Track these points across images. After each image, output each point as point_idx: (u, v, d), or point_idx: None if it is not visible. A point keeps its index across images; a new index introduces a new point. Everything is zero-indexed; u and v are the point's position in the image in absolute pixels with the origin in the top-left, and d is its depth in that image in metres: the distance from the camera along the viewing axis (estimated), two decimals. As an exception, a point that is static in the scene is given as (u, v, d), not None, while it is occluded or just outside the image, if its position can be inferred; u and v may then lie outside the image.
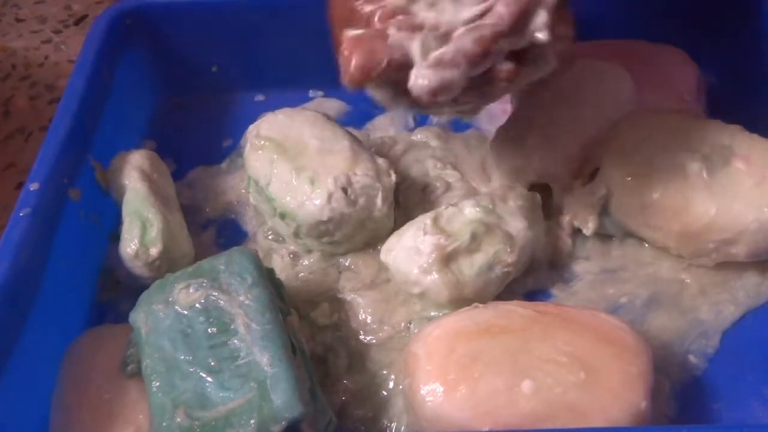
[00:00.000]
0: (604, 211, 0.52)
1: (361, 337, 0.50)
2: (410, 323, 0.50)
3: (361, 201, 0.51)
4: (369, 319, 0.51)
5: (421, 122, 0.64)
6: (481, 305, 0.46)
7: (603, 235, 0.53)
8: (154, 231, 0.51)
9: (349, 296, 0.52)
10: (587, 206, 0.52)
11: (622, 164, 0.51)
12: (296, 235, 0.53)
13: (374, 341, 0.50)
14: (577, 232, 0.54)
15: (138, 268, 0.50)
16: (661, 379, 0.46)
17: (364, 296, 0.52)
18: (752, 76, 0.60)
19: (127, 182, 0.53)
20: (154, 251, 0.50)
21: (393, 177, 0.53)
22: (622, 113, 0.54)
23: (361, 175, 0.52)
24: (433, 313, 0.49)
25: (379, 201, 0.52)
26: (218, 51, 0.64)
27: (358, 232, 0.52)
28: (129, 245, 0.50)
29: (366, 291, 0.52)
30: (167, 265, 0.50)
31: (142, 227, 0.51)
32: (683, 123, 0.52)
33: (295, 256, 0.54)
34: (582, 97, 0.54)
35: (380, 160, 0.53)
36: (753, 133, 0.51)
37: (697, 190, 0.48)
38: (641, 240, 0.53)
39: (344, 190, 0.51)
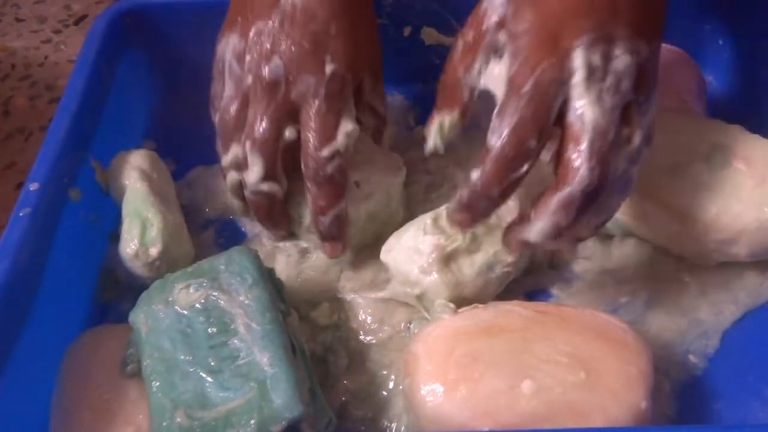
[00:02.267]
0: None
1: (361, 337, 0.50)
2: (410, 323, 0.50)
3: (375, 195, 0.51)
4: (369, 320, 0.51)
5: (422, 121, 0.64)
6: (480, 306, 0.46)
7: (603, 235, 0.53)
8: (154, 231, 0.51)
9: (349, 296, 0.52)
10: None
11: (621, 164, 0.51)
12: (309, 230, 0.53)
13: (374, 341, 0.50)
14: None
15: (138, 268, 0.50)
16: (661, 379, 0.46)
17: (364, 296, 0.52)
18: (753, 76, 0.60)
19: (126, 182, 0.53)
20: (154, 251, 0.50)
21: (404, 170, 0.53)
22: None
23: (375, 169, 0.51)
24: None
25: (391, 194, 0.52)
26: (218, 51, 0.64)
27: (369, 225, 0.52)
28: (129, 245, 0.50)
29: (366, 291, 0.52)
30: (167, 265, 0.50)
31: (142, 227, 0.51)
32: (683, 123, 0.52)
33: (302, 252, 0.54)
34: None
35: (392, 154, 0.53)
36: (754, 134, 0.51)
37: (698, 190, 0.48)
38: (641, 240, 0.53)
39: (356, 184, 0.51)
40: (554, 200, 0.41)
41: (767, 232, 0.48)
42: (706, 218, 0.48)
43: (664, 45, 0.59)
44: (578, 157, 0.40)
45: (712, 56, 0.61)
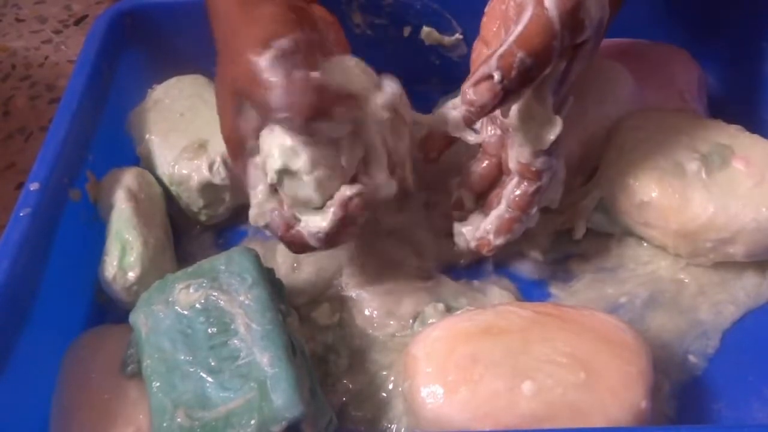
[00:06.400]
0: (602, 209, 0.52)
1: (365, 333, 0.50)
2: (416, 318, 0.50)
3: None
4: (375, 314, 0.50)
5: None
6: (479, 308, 0.46)
7: (602, 234, 0.53)
8: (134, 255, 0.50)
9: (352, 293, 0.52)
10: (580, 209, 0.52)
11: (620, 163, 0.51)
12: None
13: (378, 337, 0.49)
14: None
15: (116, 292, 0.50)
16: (661, 379, 0.46)
17: (368, 290, 0.52)
18: (755, 77, 0.59)
19: (113, 202, 0.53)
20: (132, 276, 0.50)
21: None
22: (623, 112, 0.54)
23: None
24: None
25: None
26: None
27: None
28: (107, 268, 0.50)
29: (369, 285, 0.52)
30: (145, 289, 0.48)
31: (121, 250, 0.50)
32: (683, 122, 0.52)
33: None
34: (583, 95, 0.54)
35: None
36: (754, 134, 0.51)
37: (696, 189, 0.49)
38: (640, 239, 0.53)
39: None
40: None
41: (765, 233, 0.48)
42: (704, 217, 0.48)
43: (666, 44, 0.60)
44: None
45: (714, 56, 0.61)
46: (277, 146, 0.44)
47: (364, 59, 0.58)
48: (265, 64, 0.42)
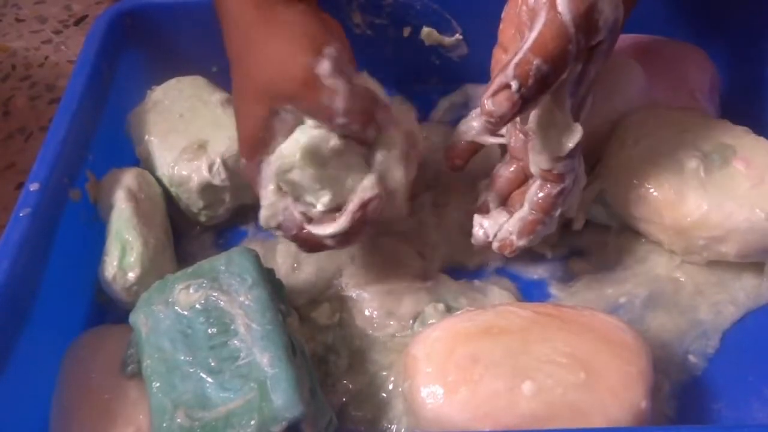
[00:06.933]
0: (602, 201, 0.52)
1: (365, 332, 0.50)
2: (416, 318, 0.50)
3: None
4: (375, 314, 0.50)
5: (420, 119, 0.64)
6: (479, 308, 0.46)
7: (601, 230, 0.54)
8: (134, 255, 0.50)
9: (351, 292, 0.52)
10: (580, 201, 0.52)
11: (621, 156, 0.51)
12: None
13: (378, 337, 0.49)
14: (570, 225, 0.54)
15: (116, 292, 0.50)
16: (661, 379, 0.46)
17: (368, 290, 0.52)
18: (766, 78, 0.59)
19: (113, 202, 0.53)
20: (132, 276, 0.50)
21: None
22: (631, 107, 0.54)
23: None
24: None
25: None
26: (218, 51, 0.64)
27: None
28: (107, 268, 0.50)
29: (369, 285, 0.52)
30: (145, 289, 0.48)
31: (122, 250, 0.50)
32: (689, 120, 0.52)
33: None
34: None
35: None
36: (760, 136, 0.51)
37: (691, 186, 0.49)
38: (637, 233, 0.53)
39: None
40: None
41: (757, 234, 0.47)
42: (697, 214, 0.48)
43: (684, 43, 0.59)
44: None
45: (726, 55, 0.60)
46: (307, 131, 0.45)
47: (364, 59, 0.59)
48: (325, 70, 0.43)
